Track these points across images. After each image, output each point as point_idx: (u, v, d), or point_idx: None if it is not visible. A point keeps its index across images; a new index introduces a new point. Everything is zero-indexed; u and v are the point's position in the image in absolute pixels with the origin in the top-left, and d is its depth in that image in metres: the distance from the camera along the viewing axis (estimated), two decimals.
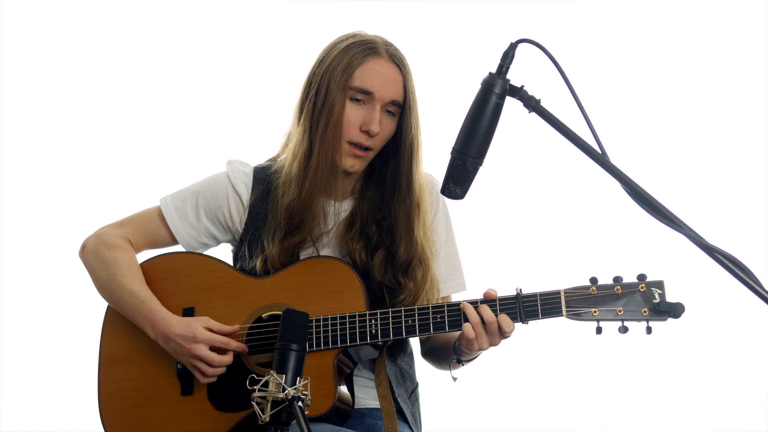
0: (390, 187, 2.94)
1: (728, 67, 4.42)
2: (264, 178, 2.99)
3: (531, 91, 2.34)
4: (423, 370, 3.11)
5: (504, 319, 2.76)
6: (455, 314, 2.79)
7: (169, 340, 2.84)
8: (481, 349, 2.78)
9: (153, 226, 3.02)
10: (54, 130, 4.57)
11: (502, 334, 2.77)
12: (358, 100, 2.88)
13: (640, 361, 4.32)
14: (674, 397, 4.38)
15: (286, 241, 2.92)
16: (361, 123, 2.87)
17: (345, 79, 2.88)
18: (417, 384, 3.07)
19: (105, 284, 2.94)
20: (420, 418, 3.05)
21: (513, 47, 2.34)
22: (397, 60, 2.91)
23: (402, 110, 2.91)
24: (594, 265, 2.87)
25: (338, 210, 2.99)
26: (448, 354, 2.93)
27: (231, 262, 3.04)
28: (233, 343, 2.84)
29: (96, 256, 2.96)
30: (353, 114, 2.88)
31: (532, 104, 2.32)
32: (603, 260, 4.23)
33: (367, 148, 2.89)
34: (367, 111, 2.88)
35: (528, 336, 2.85)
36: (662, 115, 4.44)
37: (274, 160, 3.05)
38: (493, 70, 2.35)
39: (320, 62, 2.93)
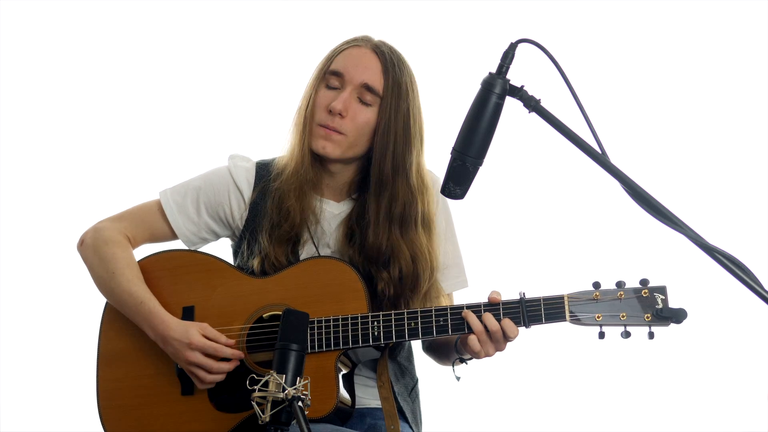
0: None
1: (728, 67, 4.42)
2: (266, 174, 2.99)
3: (531, 91, 2.33)
4: (423, 366, 3.10)
5: (508, 324, 2.75)
6: (458, 317, 2.78)
7: (167, 343, 2.84)
8: (488, 355, 2.77)
9: (152, 221, 3.01)
10: (54, 125, 4.57)
11: (507, 338, 2.76)
12: (333, 87, 2.89)
13: (641, 361, 4.32)
14: (674, 397, 4.38)
15: (278, 233, 2.91)
16: (328, 104, 2.87)
17: (323, 66, 2.91)
18: (417, 380, 3.06)
19: (104, 282, 2.93)
20: (420, 415, 3.04)
21: (513, 47, 2.34)
22: (377, 49, 2.90)
23: (381, 101, 2.89)
24: (596, 266, 2.87)
25: (334, 210, 2.98)
26: (450, 351, 2.92)
27: (229, 257, 3.04)
28: (227, 350, 2.82)
29: (94, 252, 2.95)
30: (323, 96, 2.88)
31: (532, 104, 2.32)
32: (605, 261, 4.23)
33: (335, 131, 2.86)
34: (337, 93, 2.88)
35: (528, 335, 2.85)
36: (662, 115, 4.44)
37: None
38: (493, 70, 2.35)
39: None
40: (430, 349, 3.06)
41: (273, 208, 2.93)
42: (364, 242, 2.90)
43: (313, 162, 2.90)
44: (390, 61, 2.89)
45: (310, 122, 2.88)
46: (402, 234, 2.90)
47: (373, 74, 2.88)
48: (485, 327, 2.75)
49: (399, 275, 2.88)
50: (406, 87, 2.89)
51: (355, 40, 2.94)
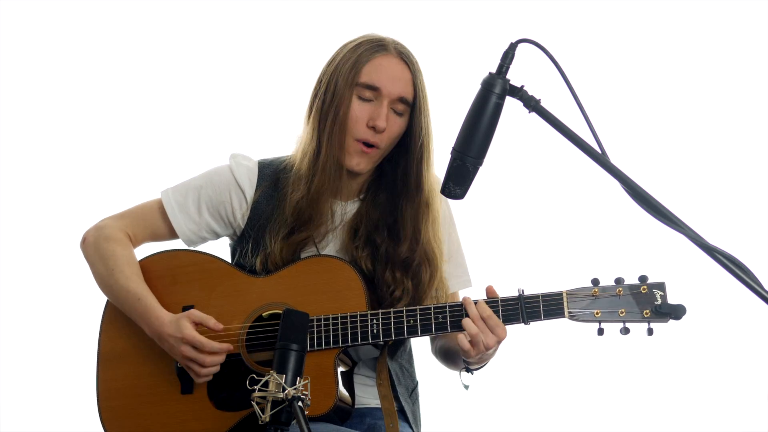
0: (399, 187, 2.93)
1: (728, 67, 4.42)
2: (270, 173, 2.98)
3: (531, 91, 2.34)
4: (423, 369, 3.10)
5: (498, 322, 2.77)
6: (457, 314, 2.79)
7: (162, 339, 2.84)
8: (488, 346, 2.76)
9: (153, 220, 3.01)
10: (55, 125, 4.57)
11: (496, 333, 2.76)
12: (365, 99, 2.88)
13: (641, 361, 4.32)
14: (674, 397, 4.38)
15: (291, 237, 2.91)
16: (368, 119, 2.86)
17: (353, 75, 2.87)
18: (417, 383, 3.06)
19: (103, 279, 2.94)
20: (420, 417, 3.05)
21: (513, 47, 2.34)
22: (405, 58, 2.90)
23: (412, 110, 2.90)
24: (595, 265, 2.87)
25: (343, 210, 2.98)
26: (459, 358, 2.91)
27: (228, 256, 3.04)
28: (214, 345, 2.81)
29: (95, 250, 2.95)
30: (360, 110, 2.87)
31: (532, 104, 2.32)
32: (604, 261, 4.23)
33: (372, 145, 2.87)
34: (374, 107, 2.87)
35: (529, 336, 2.85)
36: (662, 115, 4.45)
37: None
38: (493, 70, 2.35)
39: (330, 62, 2.93)
40: (439, 352, 3.04)
41: (290, 213, 2.91)
42: (395, 250, 2.90)
43: (340, 171, 2.90)
44: (417, 69, 2.91)
45: (346, 136, 2.87)
46: (434, 237, 2.92)
47: (406, 86, 2.88)
48: (480, 315, 2.75)
49: (429, 278, 2.91)
50: (426, 93, 2.92)
51: (379, 45, 2.91)
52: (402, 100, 2.88)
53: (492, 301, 2.78)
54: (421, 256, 2.91)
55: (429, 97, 2.93)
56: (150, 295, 2.88)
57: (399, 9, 4.47)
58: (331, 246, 2.97)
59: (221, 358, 2.82)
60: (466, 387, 2.90)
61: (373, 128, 2.85)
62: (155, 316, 2.85)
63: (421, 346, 3.10)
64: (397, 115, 2.89)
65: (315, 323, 2.82)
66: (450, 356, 2.99)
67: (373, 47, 2.90)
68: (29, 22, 4.56)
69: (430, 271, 2.92)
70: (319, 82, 2.93)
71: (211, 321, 2.84)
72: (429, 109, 2.92)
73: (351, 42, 2.93)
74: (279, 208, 2.94)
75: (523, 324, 2.77)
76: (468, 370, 2.89)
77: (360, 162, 2.88)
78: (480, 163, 2.39)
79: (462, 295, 3.06)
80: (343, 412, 2.93)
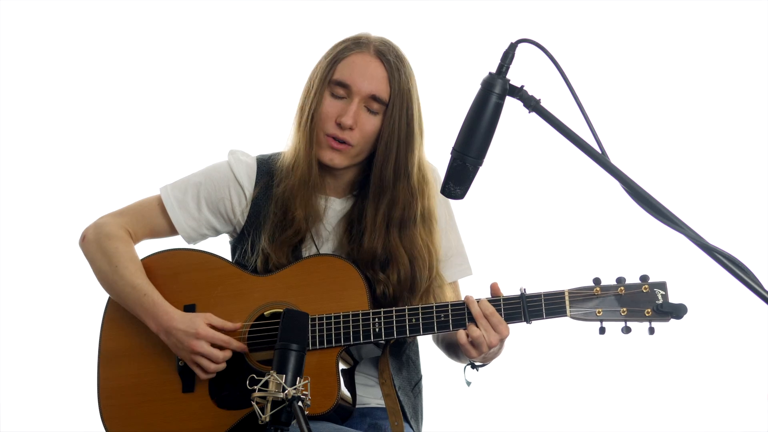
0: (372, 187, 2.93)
1: (728, 67, 4.42)
2: (268, 170, 2.99)
3: (531, 91, 2.34)
4: (429, 364, 3.10)
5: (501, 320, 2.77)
6: (459, 313, 2.79)
7: (170, 334, 2.84)
8: (490, 344, 2.77)
9: (153, 216, 3.01)
10: (54, 123, 4.57)
11: (499, 332, 2.76)
12: (338, 96, 2.88)
13: (641, 360, 4.32)
14: (674, 397, 4.38)
15: (284, 233, 2.91)
16: (337, 115, 2.87)
17: (327, 72, 2.89)
18: (421, 376, 3.06)
19: (106, 276, 2.94)
20: (422, 411, 3.04)
21: (513, 47, 2.34)
22: (382, 56, 2.88)
23: (386, 108, 2.88)
24: (596, 265, 2.88)
25: (336, 206, 2.98)
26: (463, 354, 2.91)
27: (228, 253, 3.04)
28: (234, 343, 2.83)
29: (97, 247, 2.95)
30: (331, 107, 2.87)
31: (532, 104, 2.32)
32: (605, 261, 4.24)
33: (343, 142, 2.86)
34: (344, 104, 2.87)
35: (531, 335, 2.85)
36: (662, 115, 4.45)
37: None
38: (493, 70, 2.35)
39: (318, 60, 2.94)
40: (442, 342, 3.04)
41: (277, 212, 2.93)
42: (359, 246, 2.91)
43: (318, 168, 2.90)
44: (395, 68, 2.87)
45: (317, 131, 2.88)
46: (401, 237, 2.91)
47: (380, 84, 2.87)
48: (483, 313, 2.76)
49: (397, 278, 2.89)
50: (408, 90, 2.89)
51: (357, 43, 2.90)
52: (375, 98, 2.86)
53: (494, 299, 2.79)
54: (386, 254, 2.89)
55: (413, 98, 2.88)
56: (155, 291, 2.89)
57: (398, 9, 4.47)
58: (328, 245, 2.97)
59: (229, 354, 2.83)
60: (469, 383, 2.91)
61: (340, 125, 2.85)
62: (163, 311, 2.85)
63: (427, 342, 3.10)
64: (371, 113, 2.88)
65: (317, 322, 2.82)
66: (452, 347, 2.99)
67: (351, 45, 2.90)
68: (29, 22, 4.56)
69: (396, 270, 2.89)
70: (308, 79, 2.94)
71: (228, 325, 2.84)
72: (409, 111, 2.88)
73: (339, 41, 2.94)
74: (271, 203, 2.95)
75: (525, 323, 2.78)
76: (473, 367, 2.89)
77: (333, 157, 2.88)
78: (480, 163, 2.39)
79: (463, 283, 3.07)
80: (344, 411, 2.93)
